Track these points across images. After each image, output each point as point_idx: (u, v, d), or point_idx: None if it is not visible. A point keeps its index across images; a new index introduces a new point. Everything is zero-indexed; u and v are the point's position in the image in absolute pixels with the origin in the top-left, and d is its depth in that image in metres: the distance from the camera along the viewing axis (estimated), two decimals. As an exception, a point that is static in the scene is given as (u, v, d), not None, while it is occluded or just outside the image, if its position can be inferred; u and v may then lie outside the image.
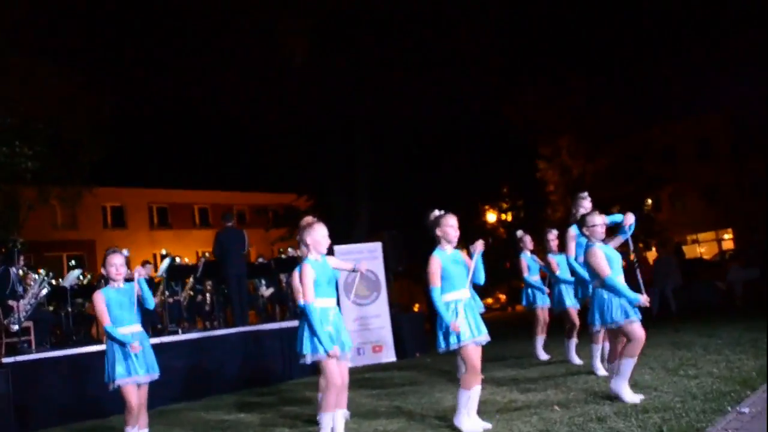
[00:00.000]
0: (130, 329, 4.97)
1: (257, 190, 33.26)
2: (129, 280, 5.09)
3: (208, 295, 12.37)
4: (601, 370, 6.46)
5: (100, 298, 4.97)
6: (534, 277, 8.42)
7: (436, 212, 4.99)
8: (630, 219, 5.57)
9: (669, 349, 7.65)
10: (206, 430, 6.37)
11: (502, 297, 33.79)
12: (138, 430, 5.03)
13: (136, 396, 4.91)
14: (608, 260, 5.21)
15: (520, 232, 8.63)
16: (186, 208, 35.42)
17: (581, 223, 5.49)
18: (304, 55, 16.17)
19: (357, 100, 17.82)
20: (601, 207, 6.02)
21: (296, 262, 7.25)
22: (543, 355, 8.41)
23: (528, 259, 8.42)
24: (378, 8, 16.60)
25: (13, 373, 7.25)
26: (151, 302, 5.11)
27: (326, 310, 4.75)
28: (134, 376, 4.88)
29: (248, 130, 20.67)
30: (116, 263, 4.99)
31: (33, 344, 8.84)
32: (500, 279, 28.19)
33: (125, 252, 5.11)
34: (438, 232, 4.88)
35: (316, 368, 5.15)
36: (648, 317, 5.59)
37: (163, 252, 15.32)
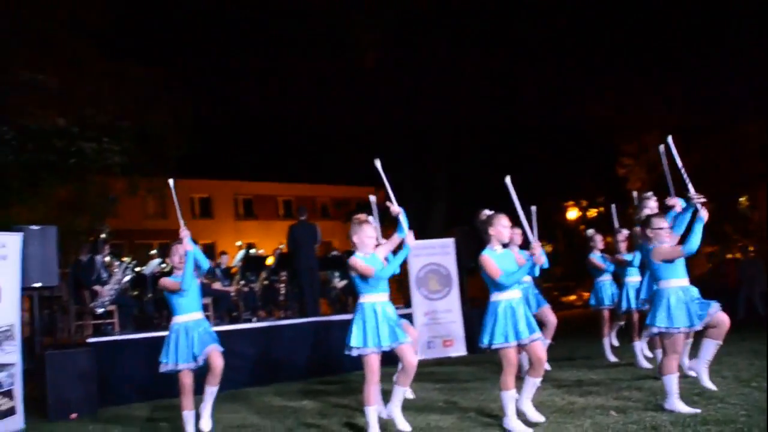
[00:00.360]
0: (191, 316, 5.24)
1: (339, 183, 33.81)
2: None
3: (282, 285, 12.73)
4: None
5: (166, 278, 5.35)
6: (606, 277, 8.29)
7: (487, 212, 4.97)
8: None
9: (747, 357, 7.26)
10: (269, 413, 6.61)
11: (585, 294, 32.93)
12: (209, 387, 5.38)
13: (190, 379, 5.19)
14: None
15: (590, 231, 8.44)
16: (270, 200, 36.43)
17: (645, 224, 5.26)
18: (378, 53, 16.39)
19: (434, 96, 17.82)
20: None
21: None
22: (612, 357, 8.22)
23: (598, 258, 8.26)
24: (453, 6, 16.58)
25: (97, 352, 7.78)
26: (205, 262, 5.36)
27: (373, 305, 4.84)
28: (189, 362, 5.15)
29: (329, 125, 21.09)
30: (179, 252, 5.29)
31: (117, 326, 9.44)
32: (583, 277, 27.48)
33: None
34: (491, 231, 4.86)
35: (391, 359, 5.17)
36: (731, 322, 5.35)
37: (238, 243, 15.85)
